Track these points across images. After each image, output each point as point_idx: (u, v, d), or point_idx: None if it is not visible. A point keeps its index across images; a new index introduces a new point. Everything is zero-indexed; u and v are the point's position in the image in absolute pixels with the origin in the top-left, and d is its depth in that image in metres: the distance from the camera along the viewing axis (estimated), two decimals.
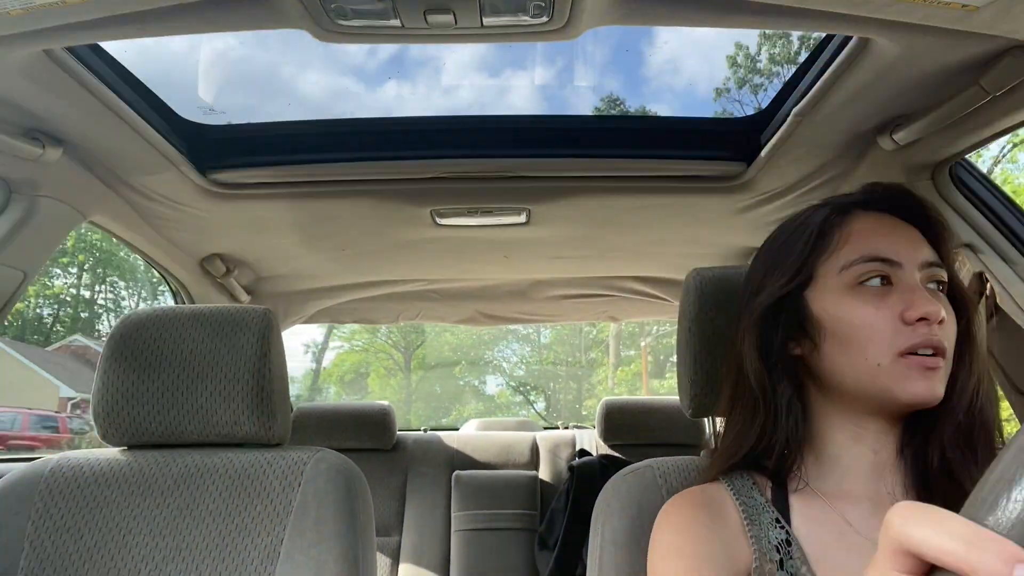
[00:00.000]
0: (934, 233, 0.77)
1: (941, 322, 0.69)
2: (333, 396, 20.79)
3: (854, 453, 0.74)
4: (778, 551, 0.70)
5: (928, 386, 0.68)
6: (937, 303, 0.69)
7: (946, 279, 0.75)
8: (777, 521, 0.73)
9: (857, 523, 0.71)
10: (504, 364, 21.91)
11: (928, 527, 0.29)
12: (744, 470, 0.80)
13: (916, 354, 0.69)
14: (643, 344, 19.41)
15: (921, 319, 0.68)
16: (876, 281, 0.72)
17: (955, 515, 0.29)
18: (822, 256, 0.76)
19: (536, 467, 2.50)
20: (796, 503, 0.75)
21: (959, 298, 0.75)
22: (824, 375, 0.75)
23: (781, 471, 0.77)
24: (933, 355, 0.69)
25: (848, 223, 0.77)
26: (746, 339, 0.80)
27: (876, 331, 0.70)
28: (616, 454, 2.39)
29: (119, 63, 1.16)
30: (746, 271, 0.86)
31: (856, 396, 0.73)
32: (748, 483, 0.78)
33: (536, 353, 22.30)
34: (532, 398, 21.27)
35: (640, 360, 19.67)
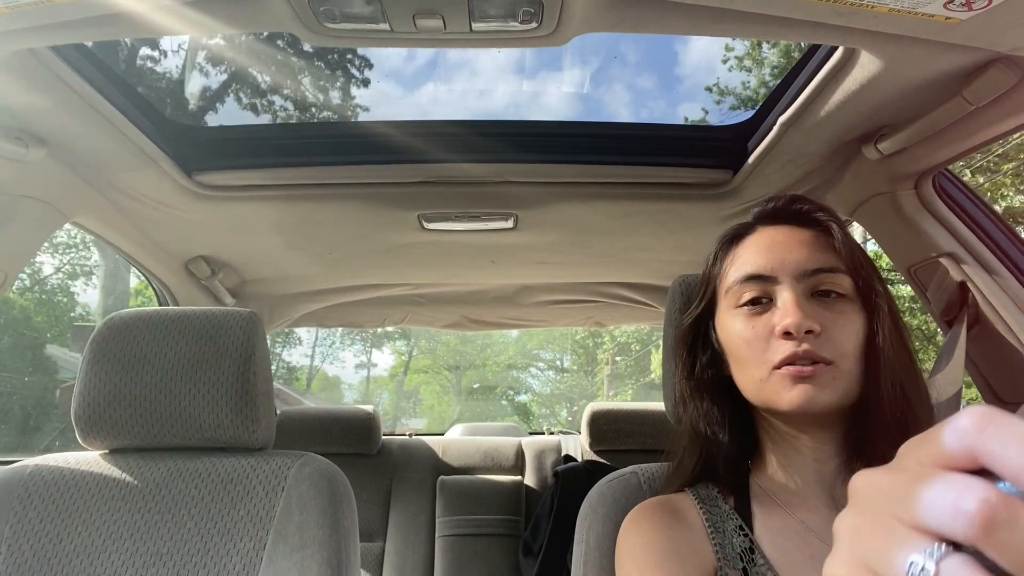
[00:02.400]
0: (831, 236, 0.76)
1: (811, 332, 0.69)
2: (387, 402, 24.13)
3: (797, 464, 0.76)
4: (741, 559, 0.71)
5: (802, 393, 0.69)
6: (799, 315, 0.69)
7: (841, 283, 0.73)
8: (740, 529, 0.74)
9: (818, 530, 0.72)
10: (535, 383, 25.95)
11: (1013, 445, 0.25)
12: (709, 480, 0.81)
13: (792, 364, 0.69)
14: (611, 394, 22.22)
15: (787, 333, 0.70)
16: (753, 300, 0.75)
17: None
18: (717, 280, 0.81)
19: (521, 472, 2.49)
20: (758, 511, 0.76)
21: (864, 300, 0.74)
22: (740, 392, 0.78)
23: (738, 482, 0.79)
24: (811, 364, 0.69)
25: (738, 245, 0.80)
26: (675, 360, 0.85)
27: (752, 348, 0.73)
28: (601, 460, 2.39)
29: (104, 63, 1.15)
30: None
31: (761, 408, 0.75)
32: (713, 492, 0.80)
33: (559, 375, 25.95)
34: (556, 410, 24.42)
35: (624, 395, 22.59)
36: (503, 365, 24.70)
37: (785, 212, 0.80)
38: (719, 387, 0.81)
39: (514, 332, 23.53)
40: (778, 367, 0.70)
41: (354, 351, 24.06)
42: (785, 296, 0.72)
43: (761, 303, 0.74)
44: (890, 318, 0.73)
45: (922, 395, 0.74)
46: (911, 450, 0.29)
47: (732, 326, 0.76)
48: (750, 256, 0.77)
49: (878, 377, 0.71)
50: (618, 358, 23.19)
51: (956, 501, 0.25)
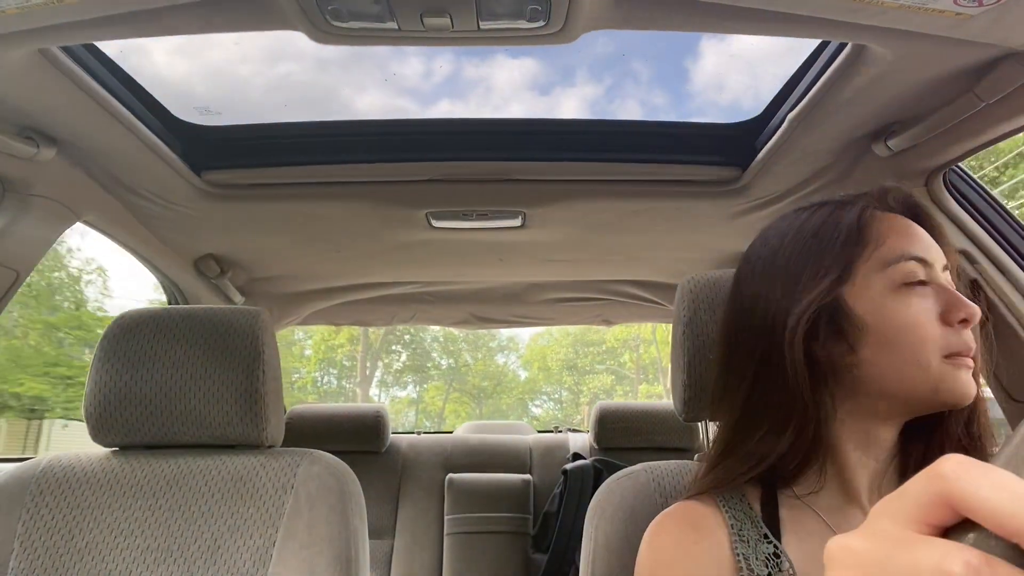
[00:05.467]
0: (938, 237, 0.76)
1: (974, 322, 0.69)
2: (417, 420, 27.40)
3: (860, 461, 0.73)
4: (766, 566, 0.69)
5: (970, 385, 0.68)
6: (975, 304, 0.68)
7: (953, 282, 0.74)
8: (765, 536, 0.71)
9: None
10: (538, 412, 28.86)
11: (988, 487, 0.25)
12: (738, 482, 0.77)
13: (960, 355, 0.68)
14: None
15: (963, 320, 0.68)
16: (919, 282, 0.70)
17: (1015, 476, 0.25)
18: (862, 255, 0.72)
19: (529, 470, 2.50)
20: (787, 516, 0.73)
21: None
22: (860, 379, 0.71)
23: (777, 481, 0.75)
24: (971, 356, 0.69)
25: (880, 221, 0.74)
26: (789, 345, 0.72)
27: (926, 332, 0.68)
28: (609, 458, 2.39)
29: (114, 63, 1.15)
30: (738, 273, 0.83)
31: (897, 398, 0.70)
32: (738, 495, 0.76)
33: (557, 406, 28.71)
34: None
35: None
36: (515, 397, 27.72)
37: (905, 204, 0.78)
38: (834, 370, 0.73)
39: (523, 373, 28.15)
40: (950, 356, 0.68)
41: (408, 391, 28.41)
42: (944, 284, 0.71)
43: (924, 285, 0.71)
44: None
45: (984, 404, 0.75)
46: (885, 510, 0.29)
47: (895, 306, 0.70)
48: (908, 236, 0.73)
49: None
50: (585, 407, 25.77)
51: (938, 569, 0.24)
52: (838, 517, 0.72)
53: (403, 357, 26.31)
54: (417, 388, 28.15)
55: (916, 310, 0.69)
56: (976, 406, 0.72)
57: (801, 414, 0.71)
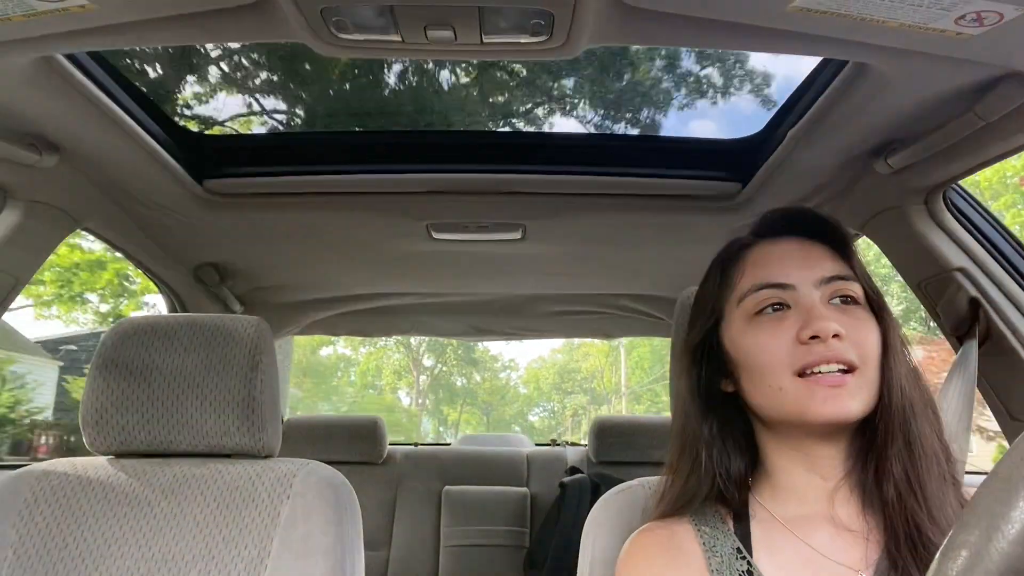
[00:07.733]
0: (841, 247, 0.76)
1: (838, 336, 0.68)
2: (432, 425, 31.36)
3: (806, 481, 0.74)
4: None
5: (834, 404, 0.67)
6: (828, 319, 0.68)
7: (857, 291, 0.73)
8: (739, 551, 0.72)
9: (821, 547, 0.70)
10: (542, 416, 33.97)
11: None
12: (708, 500, 0.79)
13: (817, 373, 0.68)
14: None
15: (814, 337, 0.68)
16: (771, 307, 0.73)
17: None
18: (726, 293, 0.78)
19: (527, 484, 2.49)
20: (758, 532, 0.74)
21: (875, 308, 0.74)
22: (751, 408, 0.76)
23: (738, 502, 0.77)
24: (841, 372, 0.68)
25: (746, 256, 0.79)
26: (680, 380, 0.82)
27: (772, 355, 0.71)
28: (606, 471, 2.38)
29: (118, 71, 1.16)
30: None
31: (780, 423, 0.73)
32: (711, 512, 0.77)
33: (555, 413, 33.56)
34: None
35: None
36: (516, 409, 31.96)
37: (790, 224, 0.79)
38: (725, 402, 0.79)
39: (524, 389, 32.75)
40: (801, 374, 0.68)
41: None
42: (807, 302, 0.71)
43: (779, 310, 0.73)
44: (897, 329, 0.73)
45: (929, 409, 0.73)
46: None
47: (747, 336, 0.74)
48: (764, 265, 0.76)
49: (890, 388, 0.70)
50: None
51: None
52: (805, 529, 0.72)
53: (440, 393, 31.40)
54: (435, 401, 32.41)
55: (766, 336, 0.72)
56: (908, 425, 0.69)
57: (699, 444, 0.78)
